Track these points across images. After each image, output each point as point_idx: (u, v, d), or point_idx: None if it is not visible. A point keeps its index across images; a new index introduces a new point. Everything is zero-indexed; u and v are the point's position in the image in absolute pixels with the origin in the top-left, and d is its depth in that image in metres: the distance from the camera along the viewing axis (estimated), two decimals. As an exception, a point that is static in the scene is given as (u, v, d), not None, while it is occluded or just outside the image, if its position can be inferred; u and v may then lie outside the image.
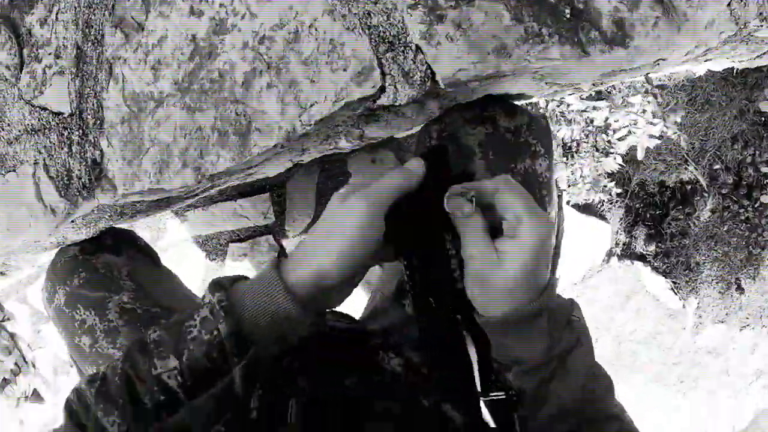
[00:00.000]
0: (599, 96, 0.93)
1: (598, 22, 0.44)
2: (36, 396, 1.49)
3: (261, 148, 0.43)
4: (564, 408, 0.41)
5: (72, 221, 0.64)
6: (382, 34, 0.41)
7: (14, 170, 0.60)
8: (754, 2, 0.47)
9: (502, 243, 0.39)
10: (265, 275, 0.39)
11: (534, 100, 0.67)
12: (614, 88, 0.99)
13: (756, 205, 1.16)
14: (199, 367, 0.38)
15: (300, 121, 0.42)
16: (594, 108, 0.91)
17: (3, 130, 0.60)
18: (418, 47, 0.41)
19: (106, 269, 0.69)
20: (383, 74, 0.41)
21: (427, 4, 0.41)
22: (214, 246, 1.24)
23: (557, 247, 0.58)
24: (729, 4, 0.46)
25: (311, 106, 0.41)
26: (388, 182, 0.39)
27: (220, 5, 0.45)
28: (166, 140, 0.48)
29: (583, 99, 0.94)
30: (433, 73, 0.41)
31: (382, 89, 0.41)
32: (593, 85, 0.66)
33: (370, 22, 0.41)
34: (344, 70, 0.41)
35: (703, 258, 1.20)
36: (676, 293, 1.22)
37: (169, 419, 0.38)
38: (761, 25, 0.50)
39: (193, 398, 0.38)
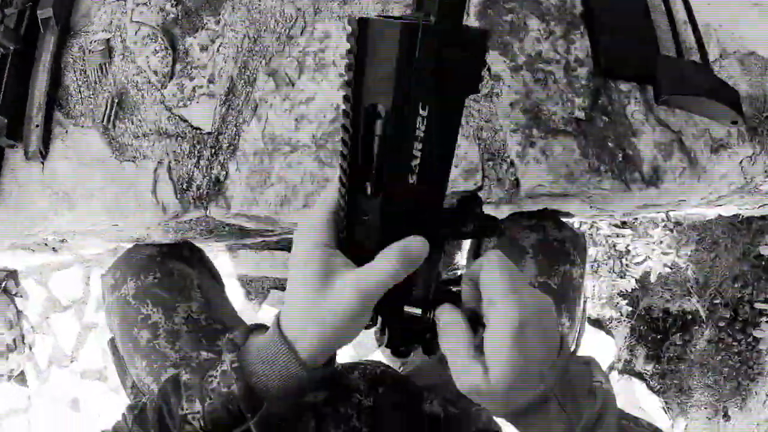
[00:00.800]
0: (624, 225, 1.10)
1: (641, 166, 0.58)
2: (21, 377, 1.48)
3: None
4: None
5: (166, 222, 0.72)
6: (488, 146, 0.55)
7: (134, 161, 0.65)
8: (762, 161, 0.60)
9: (484, 344, 0.36)
10: (273, 345, 0.40)
11: (575, 219, 0.81)
12: (637, 220, 1.15)
13: (749, 340, 1.25)
14: (218, 415, 0.40)
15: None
16: (618, 235, 1.08)
17: (133, 123, 0.65)
18: (512, 162, 0.55)
19: (180, 277, 0.72)
20: (483, 176, 0.54)
21: (524, 132, 0.55)
22: (256, 288, 1.27)
23: (577, 343, 0.65)
24: (740, 162, 0.59)
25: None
26: (382, 271, 0.36)
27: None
28: (293, 181, 0.59)
29: (611, 225, 1.11)
30: (518, 184, 0.55)
31: (480, 188, 0.54)
32: (624, 214, 0.80)
33: (481, 135, 0.55)
34: (456, 166, 0.54)
35: (696, 383, 1.28)
36: (666, 413, 1.29)
37: None
38: (765, 180, 0.63)
39: None
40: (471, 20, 0.59)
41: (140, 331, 0.66)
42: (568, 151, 0.55)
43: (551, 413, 0.36)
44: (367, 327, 0.41)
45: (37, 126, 0.72)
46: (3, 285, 1.48)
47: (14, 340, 1.46)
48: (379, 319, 0.41)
